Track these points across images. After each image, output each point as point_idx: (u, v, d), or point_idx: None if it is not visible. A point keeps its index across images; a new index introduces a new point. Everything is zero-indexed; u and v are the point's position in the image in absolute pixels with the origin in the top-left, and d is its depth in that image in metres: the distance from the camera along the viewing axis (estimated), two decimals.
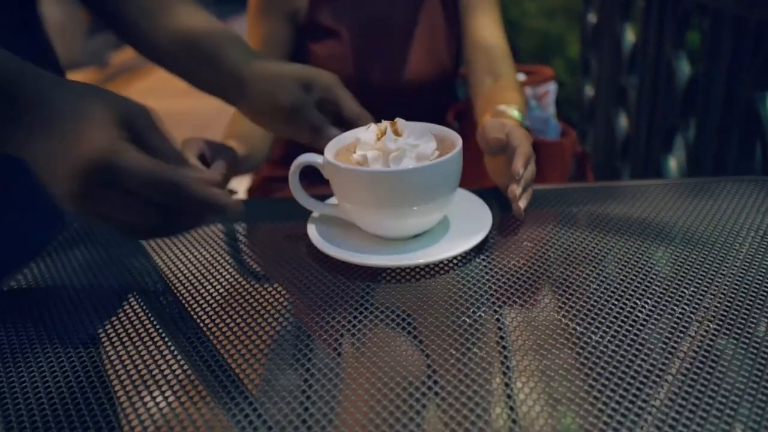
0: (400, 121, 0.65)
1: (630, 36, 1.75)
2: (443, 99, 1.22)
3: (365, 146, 0.64)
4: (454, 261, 0.62)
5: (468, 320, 0.51)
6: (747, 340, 0.45)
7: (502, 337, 0.50)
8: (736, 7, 1.09)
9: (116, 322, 0.54)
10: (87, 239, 0.71)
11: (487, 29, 1.07)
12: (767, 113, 1.05)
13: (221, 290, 0.59)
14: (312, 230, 0.66)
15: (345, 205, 0.64)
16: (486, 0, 1.09)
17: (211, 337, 0.51)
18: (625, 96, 1.76)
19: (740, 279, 0.53)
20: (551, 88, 1.30)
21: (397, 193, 0.60)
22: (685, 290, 0.52)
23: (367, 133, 0.65)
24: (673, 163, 1.49)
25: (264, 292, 0.59)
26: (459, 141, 0.65)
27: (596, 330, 0.48)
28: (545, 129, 1.22)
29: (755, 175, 1.09)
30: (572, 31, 3.07)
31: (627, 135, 1.77)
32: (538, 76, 1.32)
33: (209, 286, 0.60)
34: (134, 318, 0.55)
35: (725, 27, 1.14)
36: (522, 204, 0.66)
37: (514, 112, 0.84)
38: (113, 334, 0.53)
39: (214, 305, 0.56)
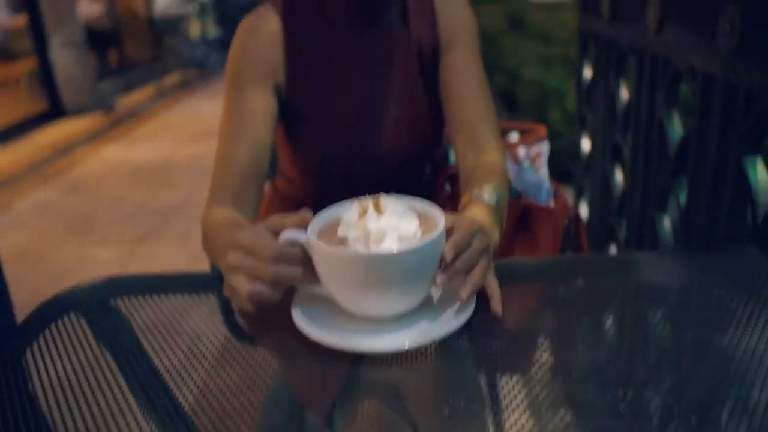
0: (383, 199, 0.65)
1: (624, 93, 1.77)
2: (428, 166, 1.23)
3: (347, 226, 0.64)
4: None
5: (457, 403, 0.50)
6: (742, 407, 0.45)
7: (494, 419, 0.49)
8: (725, 72, 1.10)
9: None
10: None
11: (468, 104, 1.05)
12: (756, 178, 1.05)
13: (206, 364, 0.59)
14: (296, 311, 0.66)
15: (327, 285, 0.64)
16: (467, 69, 1.08)
17: (193, 414, 0.50)
18: (621, 152, 1.77)
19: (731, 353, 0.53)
20: (544, 149, 1.31)
21: (378, 276, 0.60)
22: (670, 379, 0.51)
23: (350, 211, 0.65)
24: (667, 223, 1.49)
25: (248, 369, 0.58)
26: (441, 220, 0.65)
27: (588, 412, 0.47)
28: (538, 193, 1.22)
29: (746, 240, 1.09)
30: (570, 82, 3.12)
31: (623, 191, 1.77)
32: (531, 136, 1.33)
33: (190, 366, 0.59)
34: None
35: (715, 90, 1.15)
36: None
37: (487, 196, 0.85)
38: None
39: (197, 384, 0.56)
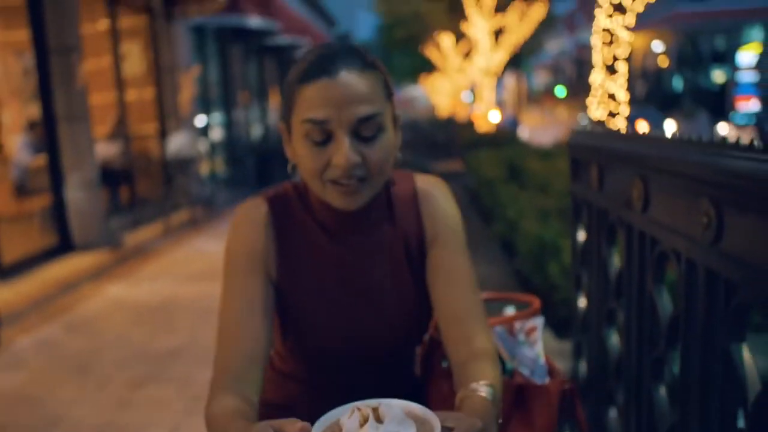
0: (382, 407, 0.69)
1: (616, 261, 1.84)
2: (415, 349, 1.28)
3: None
4: None
5: None
6: None
7: None
8: (705, 262, 1.17)
9: None
10: None
11: (457, 303, 1.11)
12: (743, 366, 1.09)
13: None
14: None
15: None
16: (453, 268, 1.14)
17: None
18: (616, 316, 1.82)
19: None
20: (539, 322, 1.36)
21: None
22: None
23: (351, 420, 0.69)
24: (663, 392, 1.51)
25: None
26: (438, 425, 0.69)
27: None
28: (533, 368, 1.25)
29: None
30: (566, 237, 3.22)
31: (620, 354, 1.80)
32: (526, 311, 1.38)
33: None
34: None
35: (697, 276, 1.22)
36: None
37: (484, 389, 0.90)
38: None
39: None
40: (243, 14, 9.84)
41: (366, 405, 0.70)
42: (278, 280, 1.13)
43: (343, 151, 1.00)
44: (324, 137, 1.02)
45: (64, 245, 6.17)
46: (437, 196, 1.21)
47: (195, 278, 5.34)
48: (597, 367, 2.00)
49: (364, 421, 0.67)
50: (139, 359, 3.69)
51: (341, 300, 1.15)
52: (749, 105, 28.61)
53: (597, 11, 4.71)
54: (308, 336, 1.15)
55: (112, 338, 4.06)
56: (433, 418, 0.71)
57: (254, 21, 10.16)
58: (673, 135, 1.39)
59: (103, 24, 7.49)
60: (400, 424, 0.67)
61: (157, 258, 6.24)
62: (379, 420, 0.67)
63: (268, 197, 1.17)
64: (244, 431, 0.78)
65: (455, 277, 1.14)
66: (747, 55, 31.65)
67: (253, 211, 1.14)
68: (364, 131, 1.02)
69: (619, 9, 4.75)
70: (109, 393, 3.27)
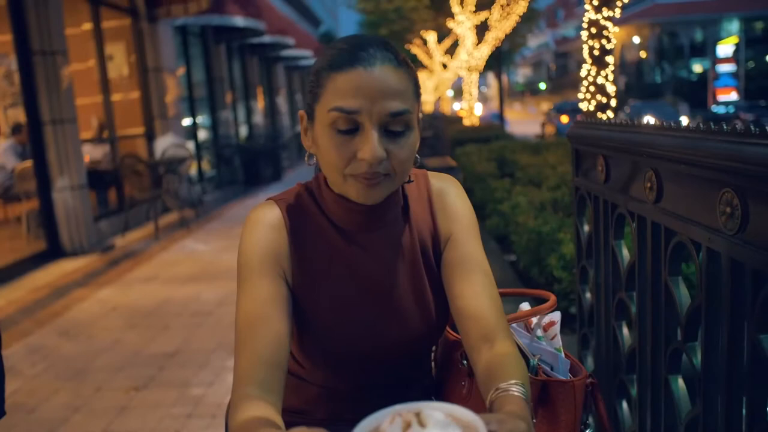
0: (424, 412, 0.67)
1: (626, 253, 1.83)
2: (431, 350, 1.28)
3: None
4: None
5: None
6: None
7: None
8: (729, 252, 1.16)
9: None
10: None
11: (474, 300, 1.09)
12: None
13: None
14: None
15: None
16: (469, 265, 1.13)
17: None
18: (626, 309, 1.81)
19: None
20: (556, 317, 1.34)
21: None
22: None
23: (393, 426, 0.66)
24: (681, 384, 1.50)
25: None
26: (483, 428, 0.67)
27: None
28: (555, 363, 1.24)
29: None
30: (565, 230, 3.21)
31: (632, 348, 1.79)
32: (543, 306, 1.36)
33: None
34: None
35: (721, 266, 1.21)
36: None
37: (516, 388, 0.89)
38: None
39: None
40: (227, 14, 9.77)
41: (407, 410, 0.68)
42: (294, 282, 1.11)
43: (371, 145, 0.98)
44: (351, 127, 1.00)
45: (54, 250, 6.10)
46: (451, 194, 1.20)
47: (187, 280, 5.29)
48: (606, 359, 1.99)
49: (407, 426, 0.65)
50: (135, 363, 3.64)
51: (356, 300, 1.13)
52: (729, 96, 28.97)
53: (586, 5, 4.72)
54: (323, 338, 1.13)
55: (107, 343, 4.01)
56: (477, 421, 0.68)
57: (238, 20, 10.09)
58: (686, 125, 1.38)
59: (86, 26, 7.40)
60: (444, 428, 0.65)
61: (148, 261, 6.17)
62: (422, 425, 0.65)
63: (280, 199, 1.15)
64: None
65: (472, 274, 1.12)
66: (725, 48, 32.04)
67: (267, 213, 1.12)
68: (392, 127, 1.01)
69: (607, 2, 4.77)
70: (106, 398, 3.22)
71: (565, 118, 22.20)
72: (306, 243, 1.12)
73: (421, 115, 1.09)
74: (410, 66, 1.05)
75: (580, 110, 4.91)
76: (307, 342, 1.15)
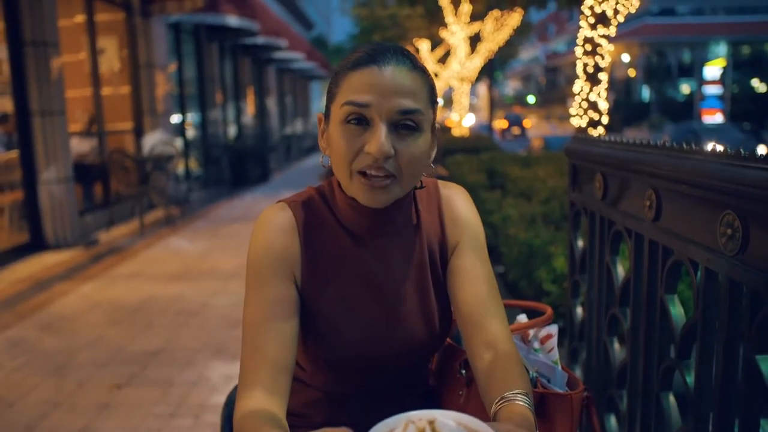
0: (438, 420, 0.67)
1: (621, 270, 1.84)
2: (431, 357, 1.28)
3: None
4: None
5: None
6: None
7: None
8: (730, 272, 1.18)
9: None
10: None
11: (478, 307, 1.10)
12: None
13: None
14: None
15: None
16: (474, 272, 1.14)
17: None
18: (619, 324, 1.82)
19: None
20: (554, 330, 1.35)
21: None
22: None
23: None
24: (672, 401, 1.51)
25: None
26: None
27: None
28: (552, 376, 1.24)
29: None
30: (556, 244, 3.23)
31: (623, 363, 1.80)
32: (540, 320, 1.37)
33: None
34: None
35: (719, 286, 1.22)
36: None
37: (521, 398, 0.90)
38: None
39: None
40: (221, 13, 9.75)
41: (420, 417, 0.68)
42: (302, 284, 1.11)
43: (378, 138, 0.99)
44: (361, 119, 1.01)
45: (36, 243, 6.03)
46: (460, 203, 1.21)
47: (171, 278, 5.25)
48: (596, 373, 2.00)
49: None
50: (118, 360, 3.61)
51: (362, 304, 1.13)
52: (714, 118, 29.36)
53: (581, 21, 4.77)
54: (327, 341, 1.13)
55: (89, 339, 3.97)
56: (487, 430, 0.69)
57: (233, 20, 10.06)
58: (687, 146, 1.40)
59: (79, 18, 7.35)
60: None
61: (133, 257, 6.12)
62: None
63: (291, 201, 1.15)
64: None
65: (477, 282, 1.13)
66: (712, 70, 32.49)
67: (278, 215, 1.12)
68: (402, 125, 1.02)
69: (603, 20, 4.82)
70: (88, 395, 3.18)
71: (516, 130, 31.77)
72: (316, 246, 1.12)
73: (438, 125, 1.10)
74: (426, 72, 1.07)
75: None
76: (310, 344, 1.15)
